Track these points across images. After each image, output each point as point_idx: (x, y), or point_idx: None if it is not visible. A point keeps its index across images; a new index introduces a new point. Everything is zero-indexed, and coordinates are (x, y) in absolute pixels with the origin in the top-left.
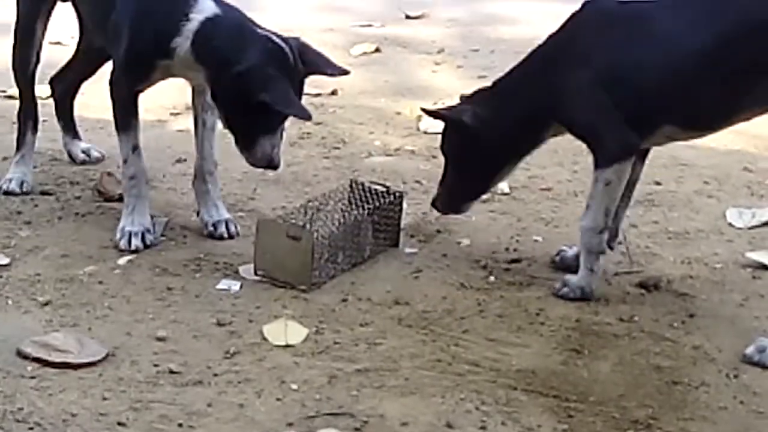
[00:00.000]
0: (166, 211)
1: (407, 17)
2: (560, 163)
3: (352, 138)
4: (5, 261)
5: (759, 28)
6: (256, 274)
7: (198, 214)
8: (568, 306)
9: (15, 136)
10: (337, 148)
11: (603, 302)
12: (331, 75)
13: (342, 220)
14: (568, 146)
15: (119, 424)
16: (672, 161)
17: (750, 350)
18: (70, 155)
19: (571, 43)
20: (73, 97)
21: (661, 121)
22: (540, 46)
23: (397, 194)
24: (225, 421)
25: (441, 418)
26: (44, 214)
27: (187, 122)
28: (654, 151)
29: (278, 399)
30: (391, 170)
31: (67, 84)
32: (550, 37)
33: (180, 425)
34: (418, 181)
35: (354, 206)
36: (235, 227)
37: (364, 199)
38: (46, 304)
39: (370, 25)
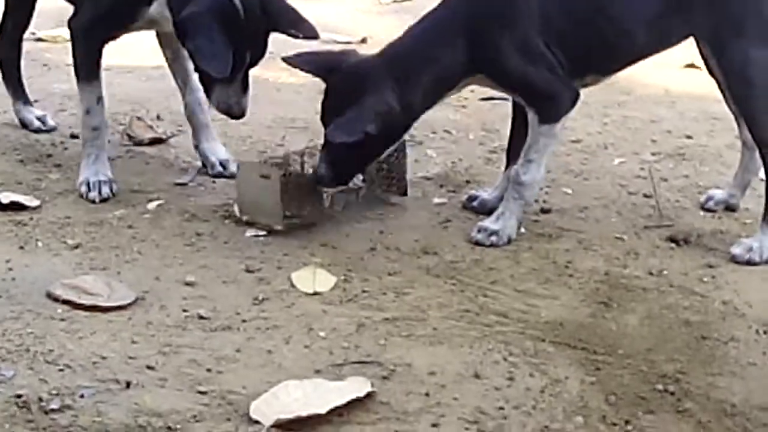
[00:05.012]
0: (195, 156)
1: None
2: (590, 115)
3: None
4: (35, 203)
5: None
6: (241, 217)
7: (196, 148)
8: (596, 258)
9: (46, 79)
10: None
11: (632, 255)
12: (295, 36)
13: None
14: (599, 98)
15: (148, 367)
16: (703, 115)
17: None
18: (22, 123)
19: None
20: (18, 57)
21: (589, 69)
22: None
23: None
24: (253, 366)
25: (468, 368)
26: (74, 158)
27: None
28: (685, 105)
29: (306, 346)
30: (420, 120)
31: (8, 43)
32: None
33: (208, 370)
34: (447, 131)
35: None
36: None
37: None
38: (76, 247)
39: None
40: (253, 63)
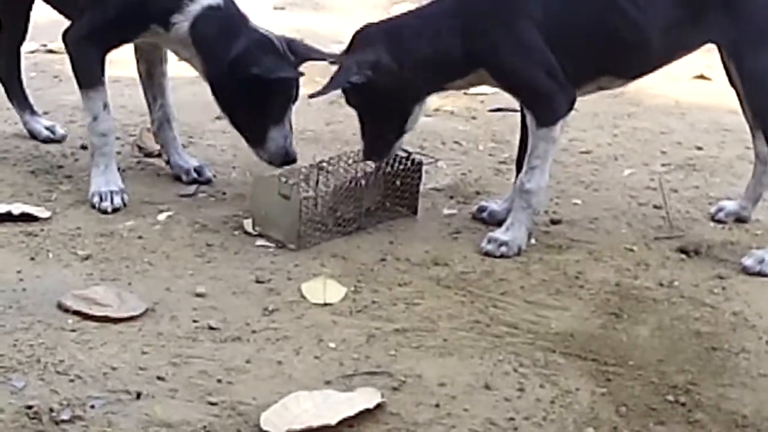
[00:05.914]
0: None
1: None
2: (600, 126)
3: None
4: (46, 214)
5: None
6: (254, 229)
7: (168, 162)
8: (607, 269)
9: (56, 90)
10: None
11: (643, 266)
12: (323, 59)
13: (341, 182)
14: (609, 109)
15: (159, 378)
16: (713, 126)
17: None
18: (31, 133)
19: None
20: (18, 69)
21: (601, 71)
22: None
23: (416, 161)
24: (263, 377)
25: (479, 379)
26: (85, 169)
27: None
28: (695, 116)
29: (316, 357)
30: (430, 131)
31: (7, 56)
32: None
33: (219, 381)
34: (457, 142)
35: (361, 169)
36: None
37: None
38: (87, 258)
39: None
40: (296, 97)
